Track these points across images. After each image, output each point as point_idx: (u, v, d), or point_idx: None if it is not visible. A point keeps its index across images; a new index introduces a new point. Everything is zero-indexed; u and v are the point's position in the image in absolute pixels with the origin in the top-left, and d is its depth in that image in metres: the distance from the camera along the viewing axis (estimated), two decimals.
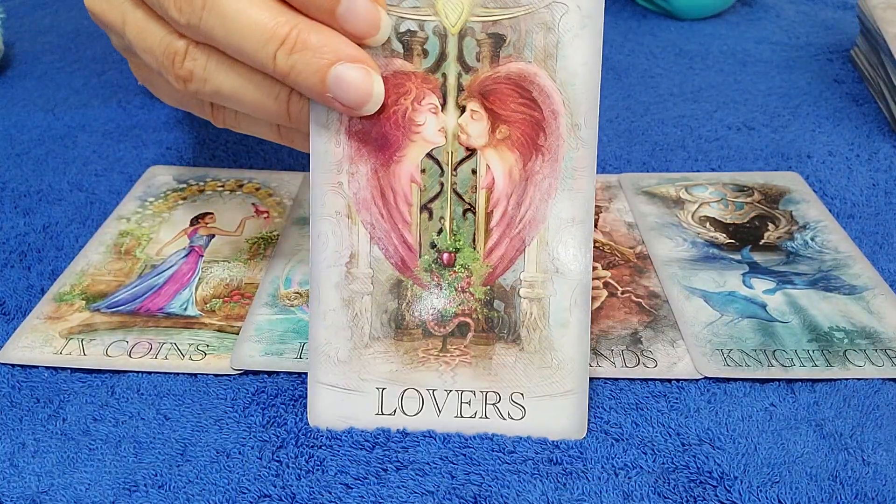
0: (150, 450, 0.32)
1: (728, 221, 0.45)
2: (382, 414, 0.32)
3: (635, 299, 0.39)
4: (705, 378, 0.35)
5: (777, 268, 0.41)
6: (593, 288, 0.40)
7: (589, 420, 0.33)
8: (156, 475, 0.30)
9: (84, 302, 0.39)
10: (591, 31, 0.30)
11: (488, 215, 0.32)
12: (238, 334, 0.37)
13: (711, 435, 0.32)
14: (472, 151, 0.31)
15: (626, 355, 0.36)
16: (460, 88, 0.31)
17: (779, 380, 0.35)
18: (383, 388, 0.32)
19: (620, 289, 0.40)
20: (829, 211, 0.46)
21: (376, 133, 0.31)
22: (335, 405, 0.32)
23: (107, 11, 0.33)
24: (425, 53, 0.30)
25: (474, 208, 0.32)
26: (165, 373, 0.35)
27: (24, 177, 0.51)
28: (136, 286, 0.40)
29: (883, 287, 0.40)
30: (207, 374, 0.35)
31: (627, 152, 0.53)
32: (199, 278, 0.41)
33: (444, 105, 0.31)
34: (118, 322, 0.38)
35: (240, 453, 0.31)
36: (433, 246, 0.32)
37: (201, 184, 0.49)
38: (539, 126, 0.31)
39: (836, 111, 0.58)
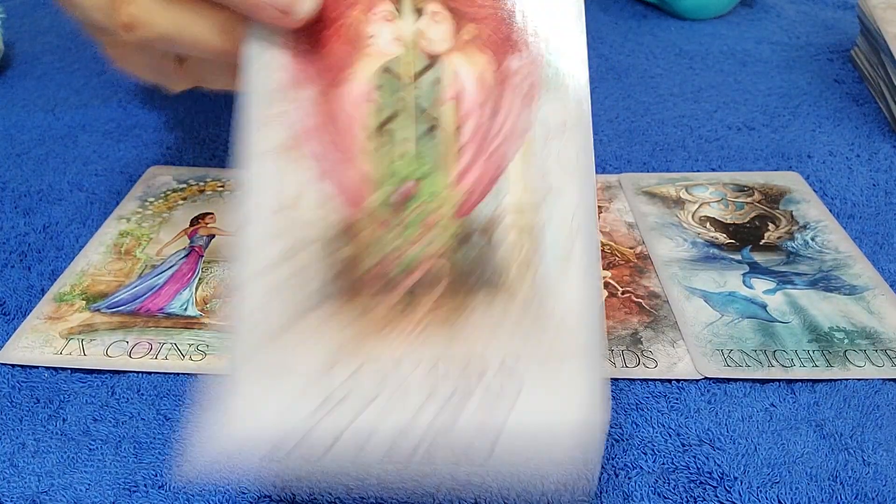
0: (150, 450, 0.32)
1: (728, 221, 0.45)
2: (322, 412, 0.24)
3: (635, 299, 0.39)
4: (705, 378, 0.35)
5: (777, 268, 0.41)
6: None
7: None
8: (156, 475, 0.30)
9: (84, 302, 0.39)
10: None
11: (458, 131, 0.26)
12: None
13: (711, 435, 0.32)
14: (435, 59, 0.27)
15: (626, 355, 0.36)
16: None
17: (779, 380, 0.35)
18: (334, 365, 0.25)
19: (620, 289, 0.40)
20: (830, 211, 0.46)
21: (323, 51, 0.27)
22: (265, 398, 0.24)
23: None
24: None
25: (441, 124, 0.27)
26: (165, 373, 0.35)
27: (25, 177, 0.51)
28: (136, 286, 0.40)
29: (883, 287, 0.40)
30: (207, 375, 0.35)
31: (627, 152, 0.53)
32: (200, 278, 0.41)
33: (398, 10, 0.27)
34: (118, 322, 0.38)
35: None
36: (393, 174, 0.26)
37: (201, 184, 0.49)
38: (512, 19, 0.27)
39: (836, 111, 0.58)
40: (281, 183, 0.26)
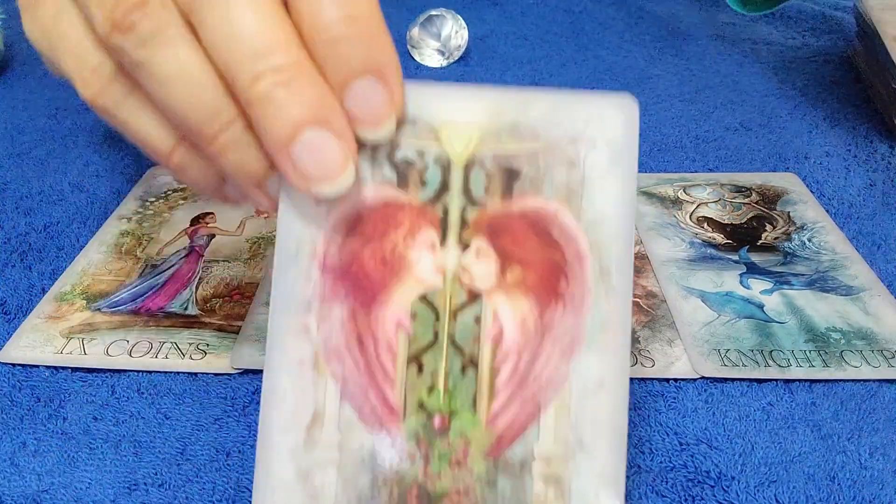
0: (150, 449, 0.32)
1: (726, 222, 0.45)
2: None
3: (633, 299, 0.39)
4: (703, 378, 0.35)
5: (774, 268, 0.42)
6: None
7: None
8: (156, 474, 0.31)
9: (85, 301, 0.39)
10: (624, 169, 0.26)
11: (494, 371, 0.26)
12: (238, 333, 0.37)
13: (709, 434, 0.32)
14: (476, 296, 0.26)
15: None
16: (464, 224, 0.26)
17: (776, 380, 0.35)
18: None
19: None
20: (827, 212, 0.46)
21: (358, 268, 0.25)
22: None
23: None
24: (423, 183, 0.26)
25: (477, 363, 0.26)
26: (165, 372, 0.35)
27: (26, 177, 0.51)
28: (136, 286, 0.41)
29: (880, 288, 0.40)
30: (207, 374, 0.35)
31: None
32: (200, 278, 0.41)
33: (443, 241, 0.26)
34: (119, 321, 0.38)
35: (240, 452, 0.32)
36: (422, 406, 0.25)
37: None
38: (560, 270, 0.26)
39: (833, 112, 0.59)
40: (297, 402, 0.25)
